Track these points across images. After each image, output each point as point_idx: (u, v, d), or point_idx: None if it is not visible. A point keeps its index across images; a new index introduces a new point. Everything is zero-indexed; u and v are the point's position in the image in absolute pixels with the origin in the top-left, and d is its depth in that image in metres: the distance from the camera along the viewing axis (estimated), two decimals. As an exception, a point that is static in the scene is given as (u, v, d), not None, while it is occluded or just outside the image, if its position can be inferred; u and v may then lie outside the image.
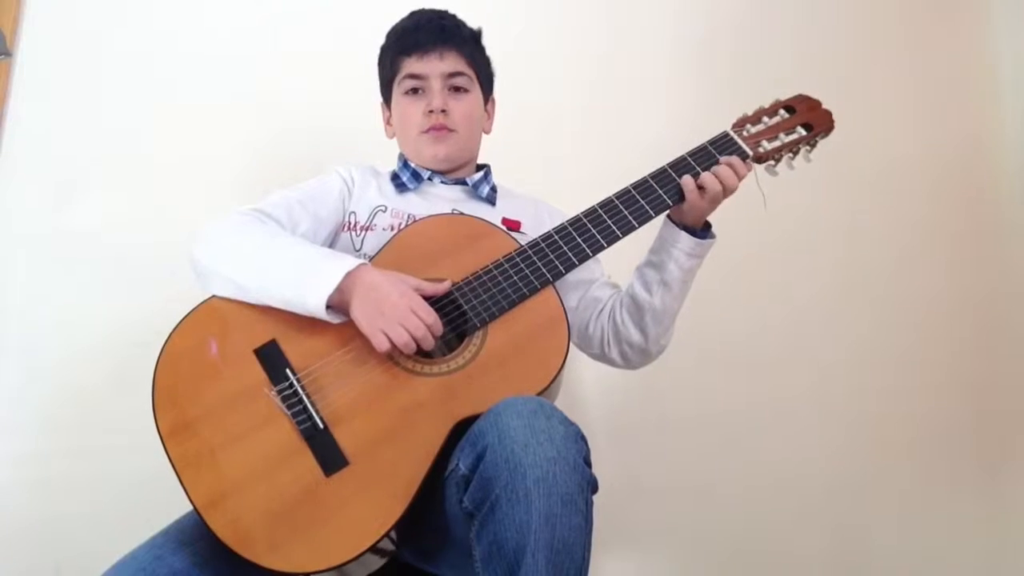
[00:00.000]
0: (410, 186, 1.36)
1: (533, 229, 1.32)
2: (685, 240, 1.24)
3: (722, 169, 1.21)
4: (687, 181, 1.21)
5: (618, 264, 1.34)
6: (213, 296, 1.14)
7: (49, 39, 1.79)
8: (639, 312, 1.28)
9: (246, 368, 1.08)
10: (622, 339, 1.31)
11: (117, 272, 1.72)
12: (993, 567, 1.98)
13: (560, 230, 1.20)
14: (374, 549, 1.00)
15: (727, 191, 1.21)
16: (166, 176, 1.79)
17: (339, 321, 1.10)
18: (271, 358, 1.09)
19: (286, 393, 1.06)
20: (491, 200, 1.39)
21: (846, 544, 1.93)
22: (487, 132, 1.46)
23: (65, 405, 1.66)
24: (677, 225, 1.25)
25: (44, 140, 1.76)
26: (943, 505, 1.98)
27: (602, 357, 1.36)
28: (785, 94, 1.31)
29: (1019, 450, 2.05)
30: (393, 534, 1.03)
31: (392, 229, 1.29)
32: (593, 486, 0.94)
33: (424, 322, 1.06)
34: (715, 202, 1.22)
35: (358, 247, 1.29)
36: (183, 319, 1.12)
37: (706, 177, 1.20)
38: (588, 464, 0.94)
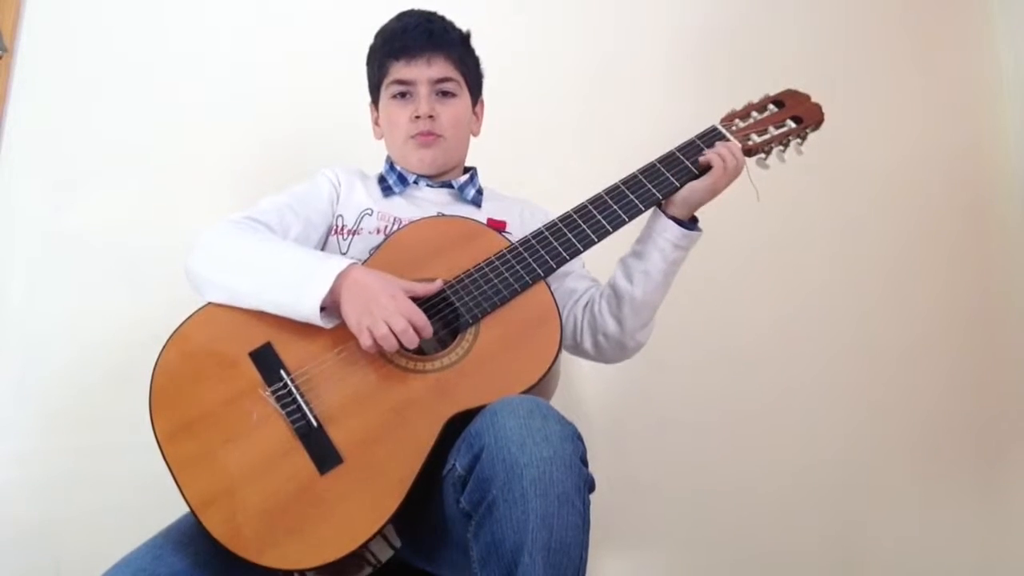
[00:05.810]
0: (396, 190, 1.36)
1: (518, 229, 1.33)
2: (673, 229, 1.23)
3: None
4: (711, 156, 1.21)
5: (609, 264, 1.33)
6: (209, 303, 1.15)
7: (48, 37, 1.80)
8: (618, 301, 1.27)
9: (241, 371, 1.08)
10: (597, 329, 1.30)
11: (117, 272, 1.72)
12: (993, 567, 1.98)
13: (551, 226, 1.20)
14: (369, 552, 1.00)
15: (738, 168, 1.22)
16: (166, 176, 1.79)
17: (332, 325, 1.10)
18: (266, 360, 1.09)
19: (280, 393, 1.06)
20: (476, 203, 1.38)
21: (845, 544, 1.92)
22: (475, 135, 1.45)
23: (65, 405, 1.66)
24: (666, 215, 1.25)
25: (43, 139, 1.76)
26: (943, 505, 1.98)
27: (575, 348, 1.34)
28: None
29: (1019, 450, 2.04)
30: (396, 540, 1.03)
31: (378, 232, 1.30)
32: (590, 485, 0.94)
33: (409, 320, 1.06)
34: (732, 176, 1.22)
35: (344, 251, 1.29)
36: (180, 325, 1.12)
37: (722, 149, 1.21)
38: (585, 463, 0.94)
